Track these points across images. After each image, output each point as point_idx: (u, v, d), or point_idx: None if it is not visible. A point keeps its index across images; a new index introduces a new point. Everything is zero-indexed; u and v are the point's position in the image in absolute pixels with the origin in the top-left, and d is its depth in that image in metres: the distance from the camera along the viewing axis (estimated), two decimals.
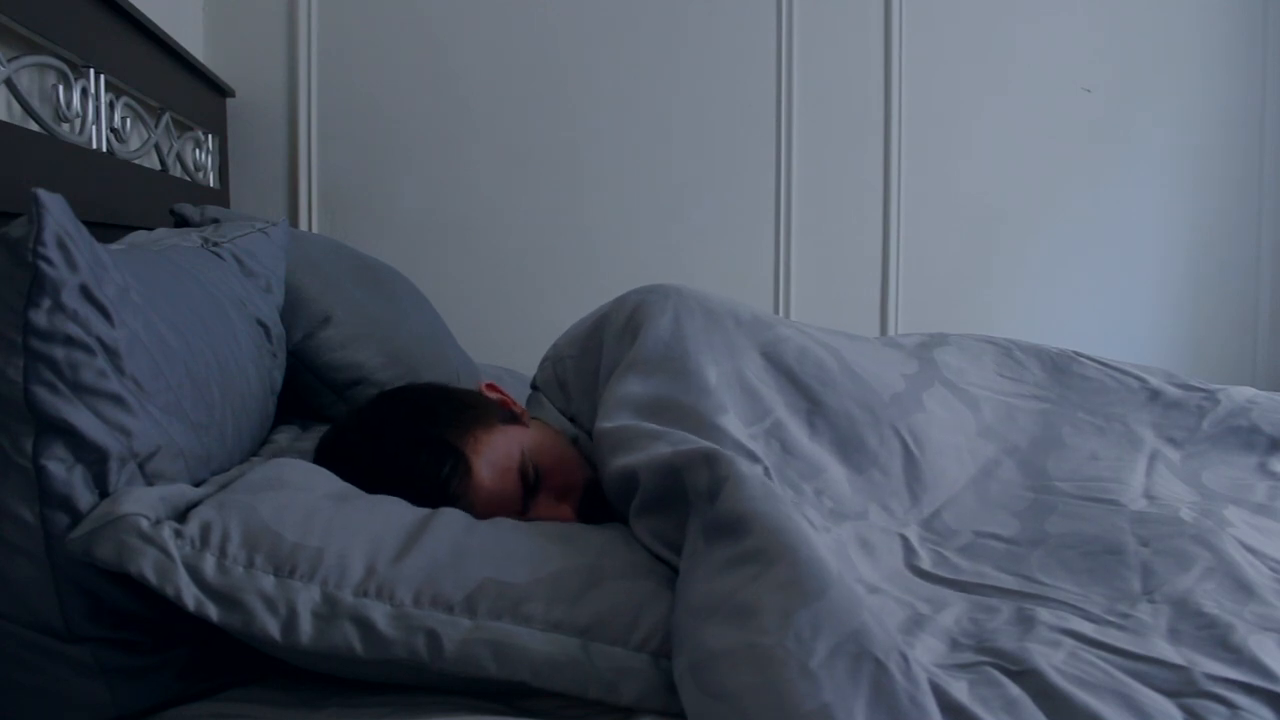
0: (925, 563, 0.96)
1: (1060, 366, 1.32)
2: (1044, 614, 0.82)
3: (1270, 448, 1.23)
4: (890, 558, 0.97)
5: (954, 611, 0.85)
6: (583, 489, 0.98)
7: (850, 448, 1.08)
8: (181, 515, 0.71)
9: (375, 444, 0.94)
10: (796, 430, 1.06)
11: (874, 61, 2.42)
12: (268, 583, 0.68)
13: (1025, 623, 0.80)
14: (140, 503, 0.68)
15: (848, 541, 0.97)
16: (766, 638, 0.63)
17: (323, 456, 0.95)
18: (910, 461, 1.09)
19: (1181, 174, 2.54)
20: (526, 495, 0.95)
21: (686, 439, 0.89)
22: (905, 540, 1.00)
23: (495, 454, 0.94)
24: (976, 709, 0.65)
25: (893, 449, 1.09)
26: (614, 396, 1.00)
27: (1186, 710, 0.67)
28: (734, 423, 1.00)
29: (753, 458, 0.97)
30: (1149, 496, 1.09)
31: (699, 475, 0.79)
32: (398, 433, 0.94)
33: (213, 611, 0.66)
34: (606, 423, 0.96)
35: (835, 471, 1.05)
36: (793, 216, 2.41)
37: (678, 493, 0.81)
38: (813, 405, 1.09)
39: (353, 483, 0.85)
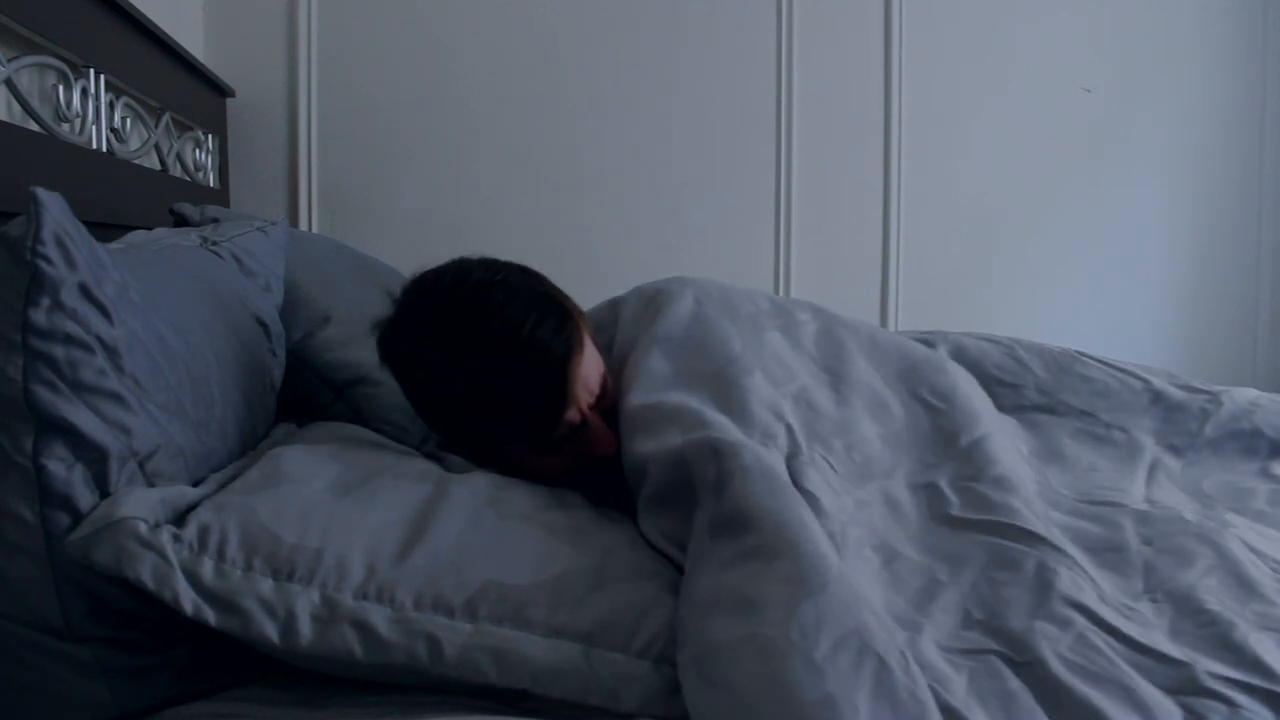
0: (955, 508, 0.96)
1: (1063, 367, 1.31)
2: (1064, 577, 0.82)
3: (1271, 452, 1.23)
4: (917, 513, 0.97)
5: (971, 573, 0.85)
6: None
7: (876, 411, 1.09)
8: (181, 517, 0.70)
9: (487, 289, 0.94)
10: (823, 396, 1.08)
11: (874, 61, 2.42)
12: (266, 586, 0.68)
13: (1043, 589, 0.81)
14: (139, 505, 0.67)
15: (873, 501, 0.97)
16: (771, 629, 0.63)
17: (413, 297, 0.97)
18: (937, 414, 1.11)
19: (1181, 174, 2.54)
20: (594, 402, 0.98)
21: (700, 422, 0.89)
22: (936, 488, 1.01)
23: (592, 347, 1.00)
24: (972, 714, 0.66)
25: (917, 412, 1.11)
26: (638, 373, 1.01)
27: (1186, 708, 0.67)
28: (761, 382, 1.01)
29: (779, 415, 0.98)
30: (1150, 502, 1.09)
31: (706, 468, 0.80)
32: (516, 284, 0.96)
33: (211, 616, 0.66)
34: (633, 399, 0.97)
35: (866, 429, 1.06)
36: (793, 216, 2.41)
37: (685, 488, 0.81)
38: (835, 377, 1.11)
39: (440, 343, 0.92)
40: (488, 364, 0.92)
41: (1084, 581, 0.82)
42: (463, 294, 0.95)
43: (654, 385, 0.99)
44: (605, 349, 1.11)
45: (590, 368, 0.98)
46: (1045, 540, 0.88)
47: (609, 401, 1.01)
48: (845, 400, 1.09)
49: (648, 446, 0.88)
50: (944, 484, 1.01)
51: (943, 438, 1.08)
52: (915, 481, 1.03)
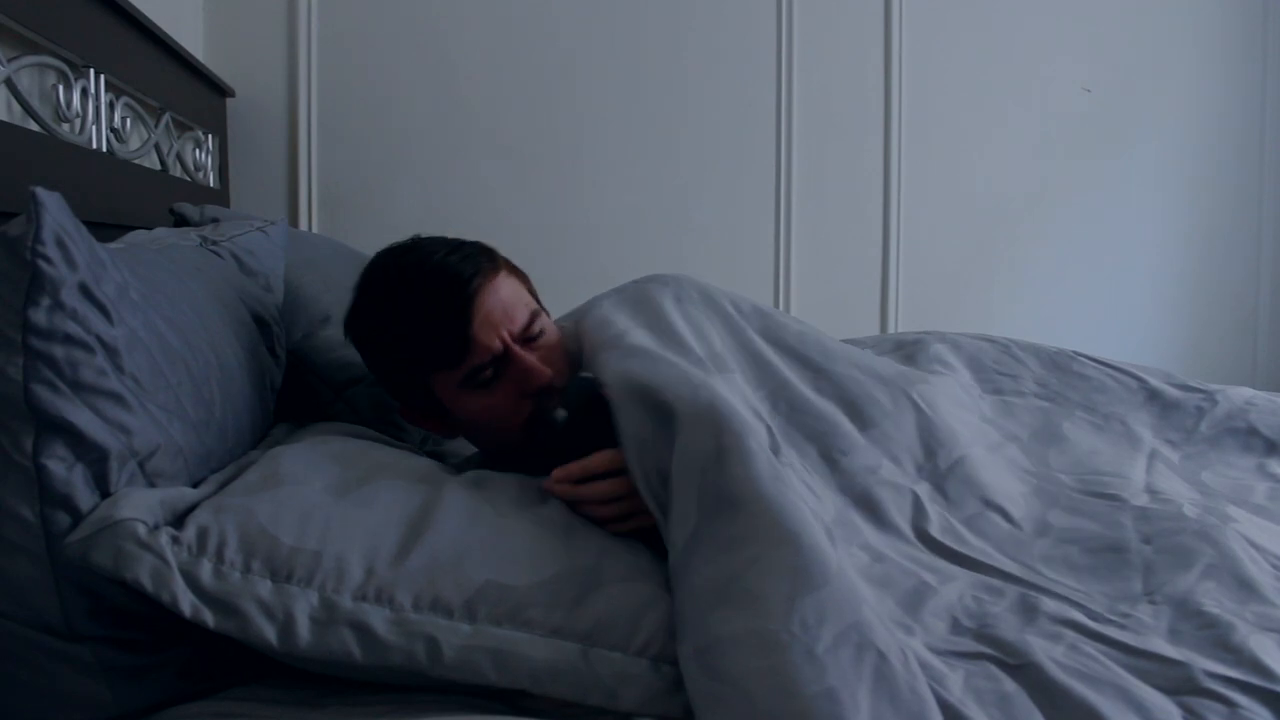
0: (934, 528, 0.96)
1: (1059, 365, 1.32)
2: (1047, 602, 0.82)
3: (1268, 449, 1.23)
4: (899, 518, 0.96)
5: (958, 586, 0.85)
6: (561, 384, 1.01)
7: (860, 404, 1.07)
8: (180, 518, 0.70)
9: (417, 243, 1.05)
10: (804, 390, 1.07)
11: (874, 61, 2.42)
12: (264, 588, 0.68)
13: (1029, 611, 0.81)
14: (138, 507, 0.67)
15: (853, 505, 0.96)
16: (772, 623, 0.64)
17: (363, 272, 1.05)
18: (923, 418, 1.08)
19: (1181, 174, 2.54)
20: (522, 335, 1.00)
21: (703, 381, 0.87)
22: (916, 497, 0.99)
23: (517, 286, 1.04)
24: (969, 712, 0.65)
25: (904, 405, 1.09)
26: (621, 341, 0.99)
27: (1185, 708, 0.67)
28: (741, 382, 1.01)
29: (757, 416, 0.97)
30: (1151, 491, 1.08)
31: (702, 438, 0.78)
32: (444, 241, 1.05)
33: (209, 618, 0.66)
34: (614, 357, 0.95)
35: (846, 426, 1.05)
36: (793, 216, 2.41)
37: (663, 429, 0.81)
38: (817, 373, 1.10)
39: (373, 290, 1.01)
40: (402, 296, 0.99)
41: (1069, 606, 0.82)
42: (396, 253, 1.05)
43: (638, 349, 0.97)
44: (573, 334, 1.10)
45: (510, 297, 1.01)
46: (1024, 581, 0.88)
47: (545, 345, 1.02)
48: (825, 396, 1.07)
49: (632, 367, 0.88)
50: (924, 497, 1.00)
51: (924, 447, 1.06)
52: (898, 483, 1.01)
